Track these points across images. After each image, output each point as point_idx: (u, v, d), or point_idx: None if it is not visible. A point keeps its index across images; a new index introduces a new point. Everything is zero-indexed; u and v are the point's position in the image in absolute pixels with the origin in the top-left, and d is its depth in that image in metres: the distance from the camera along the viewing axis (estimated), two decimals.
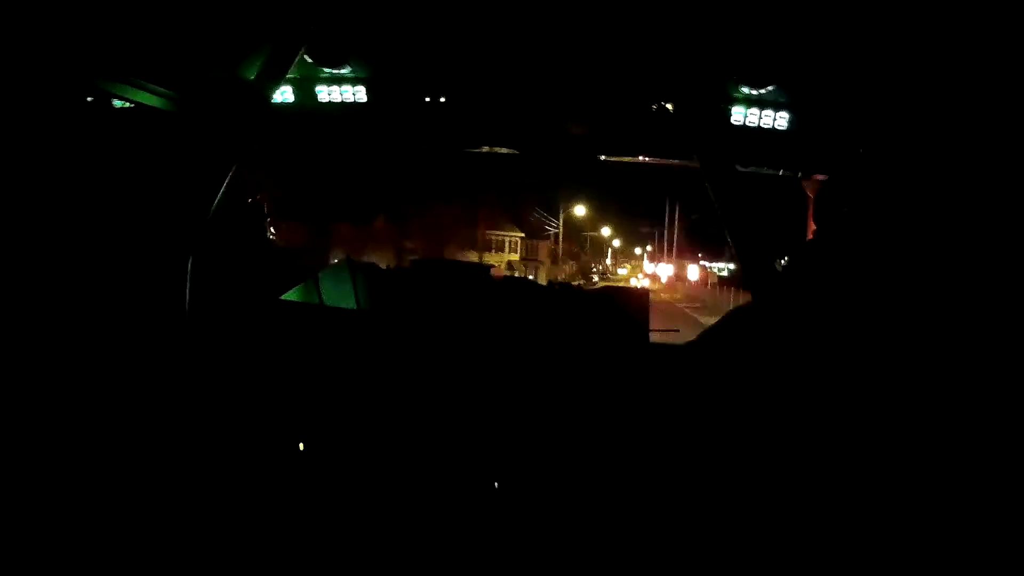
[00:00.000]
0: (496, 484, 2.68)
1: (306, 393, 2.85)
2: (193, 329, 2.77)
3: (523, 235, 58.08)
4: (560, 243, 58.57)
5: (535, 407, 2.75)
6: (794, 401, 2.45)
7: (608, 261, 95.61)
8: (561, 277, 46.77)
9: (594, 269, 78.09)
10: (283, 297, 3.28)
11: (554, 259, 60.39)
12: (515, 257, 56.97)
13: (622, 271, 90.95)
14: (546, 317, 3.31)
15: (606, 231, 77.56)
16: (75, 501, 2.40)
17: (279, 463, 2.78)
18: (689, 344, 3.20)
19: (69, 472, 2.41)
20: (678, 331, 3.78)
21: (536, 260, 59.15)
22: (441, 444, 2.75)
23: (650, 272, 78.21)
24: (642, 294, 3.39)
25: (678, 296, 44.66)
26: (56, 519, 2.35)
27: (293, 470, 2.79)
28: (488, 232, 53.12)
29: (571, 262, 68.03)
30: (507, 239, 56.66)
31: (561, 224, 55.47)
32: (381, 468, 2.74)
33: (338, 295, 3.50)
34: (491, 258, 49.53)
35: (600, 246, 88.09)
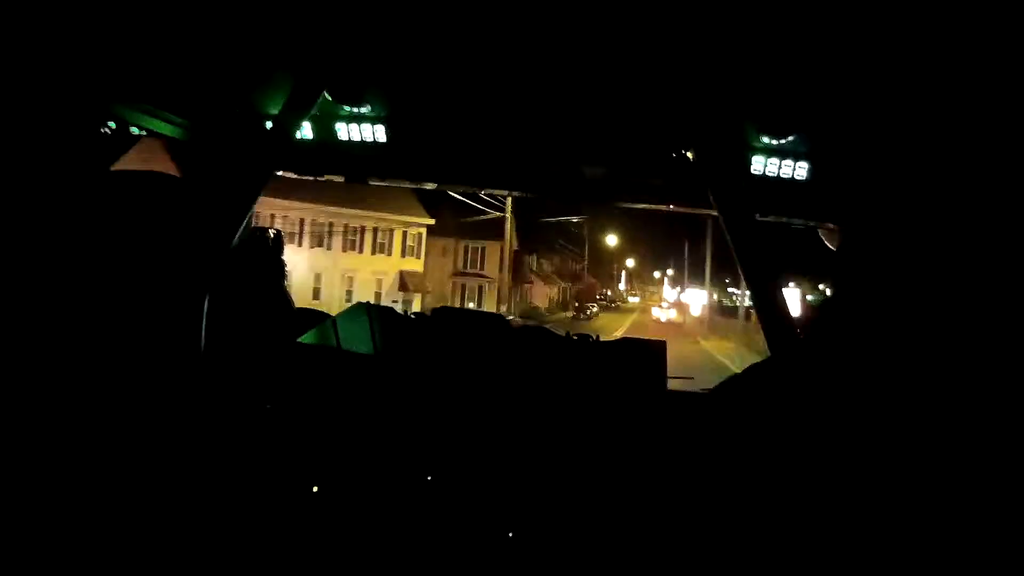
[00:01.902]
0: (510, 534, 2.65)
1: (321, 436, 2.83)
2: (208, 370, 2.76)
3: (432, 221, 36.50)
4: (510, 240, 30.91)
5: (549, 458, 2.72)
6: (807, 458, 2.42)
7: (622, 286, 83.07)
8: (506, 309, 30.10)
9: (599, 296, 65.28)
10: (300, 339, 3.27)
11: (515, 275, 38.26)
12: (415, 265, 37.26)
13: (634, 299, 78.33)
14: (563, 368, 3.28)
15: (612, 239, 63.17)
16: (96, 545, 2.38)
17: (292, 505, 2.76)
18: (706, 393, 3.18)
19: (89, 515, 2.40)
20: (692, 379, 3.76)
21: (480, 274, 41.03)
22: (453, 492, 2.72)
23: (672, 300, 65.80)
24: (658, 345, 3.36)
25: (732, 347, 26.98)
26: (74, 562, 2.34)
27: (306, 513, 2.77)
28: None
29: (559, 284, 55.05)
30: (395, 226, 34.98)
31: (509, 208, 29.19)
32: (394, 512, 2.72)
33: (355, 339, 3.50)
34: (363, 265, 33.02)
35: (605, 262, 70.96)
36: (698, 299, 51.44)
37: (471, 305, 39.22)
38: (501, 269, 33.34)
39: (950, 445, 2.23)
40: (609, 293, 75.78)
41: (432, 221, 37.59)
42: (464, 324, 3.60)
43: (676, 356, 3.76)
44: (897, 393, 2.34)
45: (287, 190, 23.35)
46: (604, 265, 72.95)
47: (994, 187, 2.53)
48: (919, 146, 2.86)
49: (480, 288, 41.98)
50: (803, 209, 3.39)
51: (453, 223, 36.62)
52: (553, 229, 48.84)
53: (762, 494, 2.49)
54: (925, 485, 2.22)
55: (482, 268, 42.37)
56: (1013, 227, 2.40)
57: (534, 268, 51.51)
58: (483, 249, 41.94)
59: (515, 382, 2.95)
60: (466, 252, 42.87)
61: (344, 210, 31.74)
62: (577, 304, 54.18)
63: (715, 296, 53.85)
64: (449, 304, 33.61)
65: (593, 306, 55.04)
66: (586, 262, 63.26)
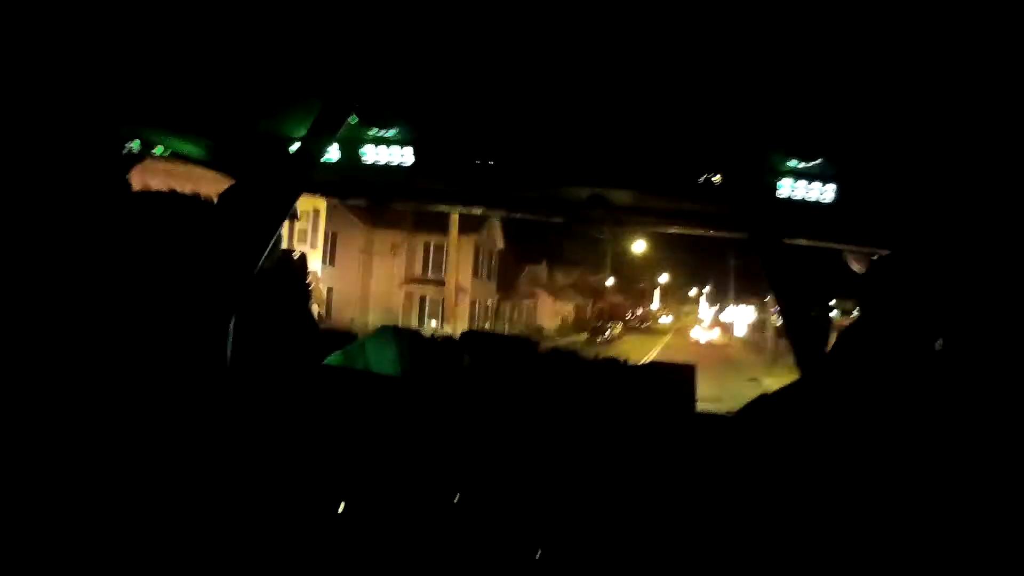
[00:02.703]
0: (538, 555, 2.64)
1: (349, 458, 2.84)
2: (234, 391, 2.78)
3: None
4: (455, 232, 26.52)
5: (574, 477, 2.71)
6: (835, 481, 2.38)
7: (655, 305, 76.01)
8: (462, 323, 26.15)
9: (629, 316, 59.42)
10: (326, 361, 3.28)
11: (505, 285, 32.16)
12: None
13: (665, 320, 72.56)
14: (590, 391, 3.27)
15: (640, 245, 49.48)
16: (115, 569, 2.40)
17: (318, 524, 2.76)
18: (733, 415, 3.15)
19: (113, 537, 2.41)
20: (721, 400, 3.73)
21: (436, 280, 31.97)
22: (481, 512, 2.72)
23: (711, 318, 62.68)
24: (687, 368, 3.34)
25: None
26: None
27: (332, 531, 2.77)
28: None
29: (576, 300, 48.03)
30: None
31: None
32: (422, 532, 2.72)
33: (383, 361, 3.51)
34: None
35: (635, 277, 63.67)
36: (744, 317, 48.19)
37: (433, 323, 32.78)
38: (477, 275, 26.94)
39: (981, 471, 2.19)
40: (640, 312, 70.34)
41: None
42: (492, 347, 3.60)
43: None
44: (925, 417, 2.30)
45: None
46: (634, 281, 66.94)
47: None
48: (947, 169, 2.84)
49: (444, 299, 30.81)
50: (830, 232, 3.37)
51: (405, 212, 28.38)
52: (569, 236, 41.46)
53: (790, 517, 2.45)
54: (954, 510, 2.18)
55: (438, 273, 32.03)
56: None
57: (543, 280, 45.10)
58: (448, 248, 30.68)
59: (541, 404, 2.94)
60: (426, 252, 32.67)
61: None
62: (596, 325, 48.11)
63: (761, 315, 45.69)
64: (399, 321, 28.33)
65: (614, 326, 48.94)
66: (609, 275, 56.74)
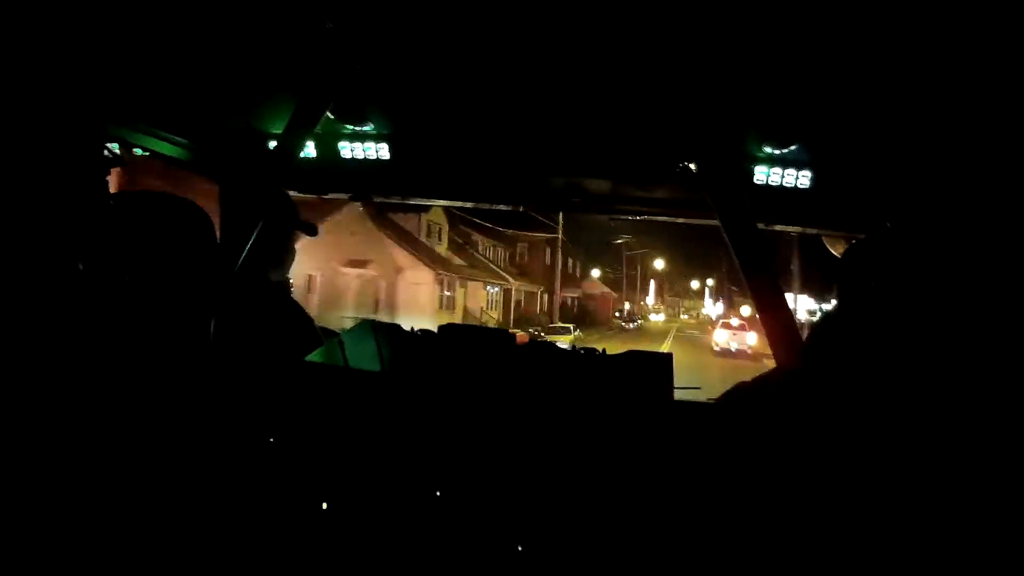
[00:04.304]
0: (520, 548, 2.65)
1: (330, 453, 2.84)
2: (215, 389, 2.78)
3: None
4: None
5: (554, 469, 2.72)
6: (815, 468, 2.40)
7: (650, 300, 66.61)
8: None
9: (616, 312, 52.57)
10: (307, 358, 3.29)
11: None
12: None
13: (656, 316, 63.53)
14: (568, 382, 3.28)
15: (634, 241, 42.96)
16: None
17: (302, 521, 2.77)
18: (712, 403, 3.16)
19: (99, 535, 2.41)
20: (700, 388, 3.74)
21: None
22: (462, 506, 2.73)
23: (719, 316, 51.19)
24: (665, 356, 3.35)
25: None
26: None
27: (316, 529, 2.77)
28: None
29: (520, 285, 36.76)
30: None
31: None
32: (404, 526, 2.72)
33: (362, 357, 3.51)
34: None
35: (625, 265, 55.78)
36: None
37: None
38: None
39: (959, 455, 2.20)
40: (628, 307, 61.69)
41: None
42: (470, 341, 3.60)
43: None
44: (904, 401, 2.31)
45: None
46: (617, 268, 58.07)
47: (1003, 193, 2.51)
48: (924, 153, 2.86)
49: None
50: (806, 217, 3.39)
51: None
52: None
53: (770, 504, 2.47)
54: (933, 494, 2.19)
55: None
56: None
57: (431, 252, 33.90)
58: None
59: (519, 395, 2.95)
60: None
61: None
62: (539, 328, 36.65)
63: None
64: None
65: (567, 326, 38.09)
66: (572, 261, 45.05)
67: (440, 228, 34.36)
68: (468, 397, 2.94)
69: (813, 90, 2.66)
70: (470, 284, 33.76)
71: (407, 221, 30.28)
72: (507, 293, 38.78)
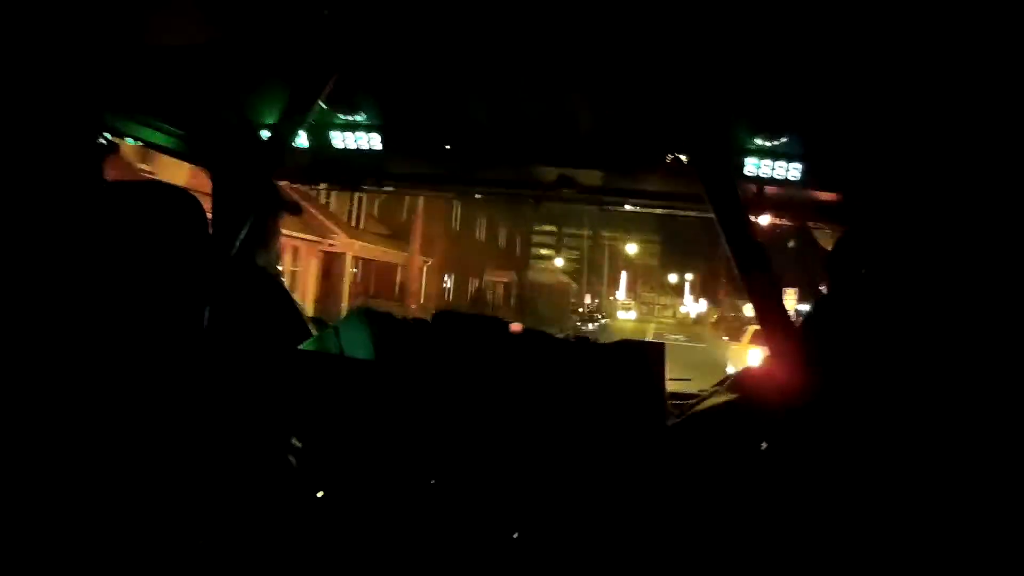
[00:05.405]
0: (515, 535, 2.66)
1: (325, 441, 2.83)
2: (209, 379, 2.76)
3: None
4: None
5: (549, 457, 2.74)
6: (806, 460, 2.43)
7: (621, 295, 60.56)
8: None
9: (582, 308, 45.89)
10: (301, 347, 3.27)
11: None
12: None
13: (625, 315, 56.20)
14: (562, 371, 3.30)
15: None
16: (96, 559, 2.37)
17: (298, 510, 2.76)
18: (703, 394, 3.19)
19: (91, 529, 2.38)
20: (690, 380, 3.77)
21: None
22: (458, 494, 2.73)
23: (719, 317, 46.28)
24: (657, 346, 3.37)
25: None
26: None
27: (312, 517, 2.77)
28: None
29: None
30: None
31: None
32: (400, 514, 2.72)
33: (356, 345, 3.50)
34: None
35: (594, 252, 48.94)
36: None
37: None
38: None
39: (953, 448, 2.23)
40: (596, 302, 54.96)
41: None
42: (464, 329, 3.61)
43: None
44: (896, 391, 2.35)
45: None
46: (582, 253, 50.87)
47: (993, 185, 2.55)
48: (915, 145, 2.90)
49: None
50: (797, 209, 3.44)
51: None
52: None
53: (762, 495, 2.50)
54: (928, 488, 2.22)
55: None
56: (1012, 227, 2.42)
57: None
58: None
59: (512, 384, 2.96)
60: None
61: None
62: None
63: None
64: None
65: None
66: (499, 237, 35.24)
67: None
68: (461, 385, 2.95)
69: (805, 82, 2.69)
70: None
71: None
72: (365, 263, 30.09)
